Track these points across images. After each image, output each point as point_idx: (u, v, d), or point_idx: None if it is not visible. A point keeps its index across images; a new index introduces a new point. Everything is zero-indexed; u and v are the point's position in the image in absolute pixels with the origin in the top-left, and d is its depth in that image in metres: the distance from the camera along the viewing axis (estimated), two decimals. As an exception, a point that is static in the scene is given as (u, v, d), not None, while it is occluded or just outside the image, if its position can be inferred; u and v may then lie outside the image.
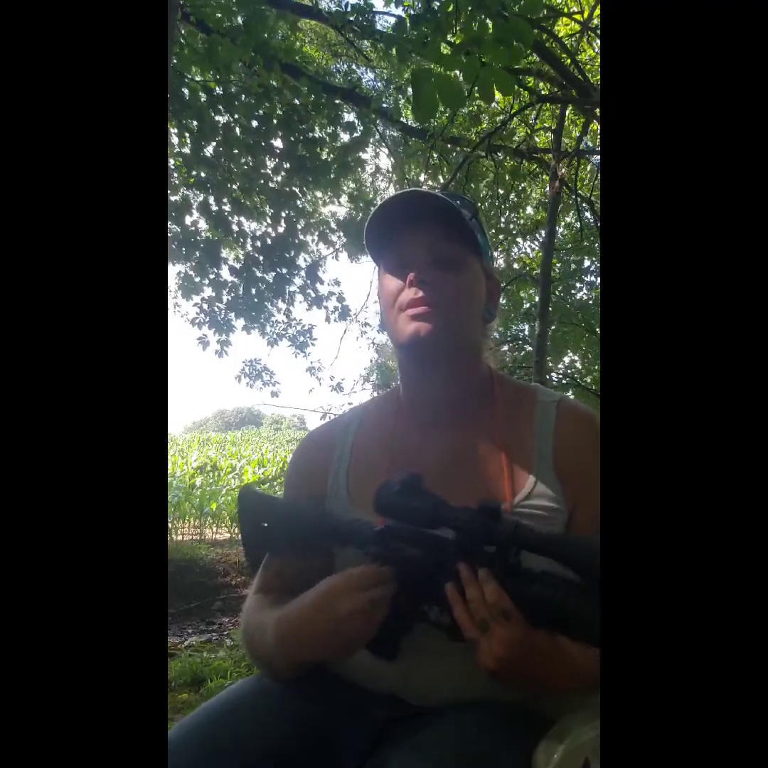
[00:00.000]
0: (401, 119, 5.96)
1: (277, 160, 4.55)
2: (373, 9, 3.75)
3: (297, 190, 4.75)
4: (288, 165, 4.44)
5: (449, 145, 6.33)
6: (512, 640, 0.73)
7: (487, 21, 2.19)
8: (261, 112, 4.10)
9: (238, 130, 4.25)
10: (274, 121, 4.13)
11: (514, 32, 2.09)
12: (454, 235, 0.94)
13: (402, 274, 0.94)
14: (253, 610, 0.97)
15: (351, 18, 3.93)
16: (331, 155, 4.33)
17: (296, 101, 4.07)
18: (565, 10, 5.73)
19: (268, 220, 5.04)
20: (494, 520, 0.76)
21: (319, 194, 5.52)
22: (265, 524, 0.94)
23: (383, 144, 6.83)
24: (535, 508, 0.89)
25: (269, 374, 6.24)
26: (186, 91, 4.18)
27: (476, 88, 2.10)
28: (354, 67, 6.55)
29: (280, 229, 5.06)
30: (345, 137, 4.43)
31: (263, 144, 4.29)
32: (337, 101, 4.37)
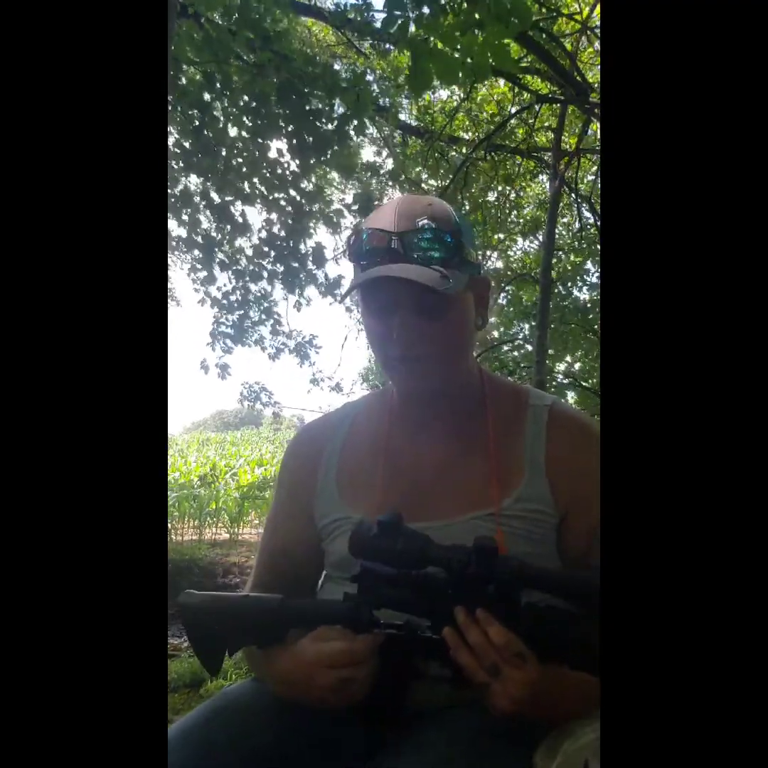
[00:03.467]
0: (400, 118, 5.96)
1: (279, 139, 4.52)
2: (372, 8, 3.74)
3: (299, 170, 4.70)
4: (289, 143, 4.40)
5: (448, 148, 6.33)
6: (528, 680, 0.71)
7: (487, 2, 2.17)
8: (258, 90, 4.06)
9: (236, 111, 4.22)
10: (273, 98, 4.09)
11: (514, 11, 2.08)
12: (438, 278, 0.86)
13: (386, 322, 0.88)
14: None
15: (350, 17, 3.93)
16: (330, 126, 4.26)
17: (292, 75, 4.02)
18: (565, 10, 5.73)
19: (274, 209, 4.98)
20: (492, 558, 0.73)
21: (326, 176, 5.45)
22: (216, 626, 0.88)
23: (384, 145, 6.84)
24: (525, 512, 0.88)
25: (268, 395, 6.26)
26: (184, 80, 4.18)
27: (471, 61, 2.07)
28: (353, 67, 6.55)
29: (288, 218, 5.00)
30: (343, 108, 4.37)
31: (263, 122, 4.24)
32: (335, 67, 4.35)
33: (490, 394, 0.98)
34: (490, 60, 2.15)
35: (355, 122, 4.20)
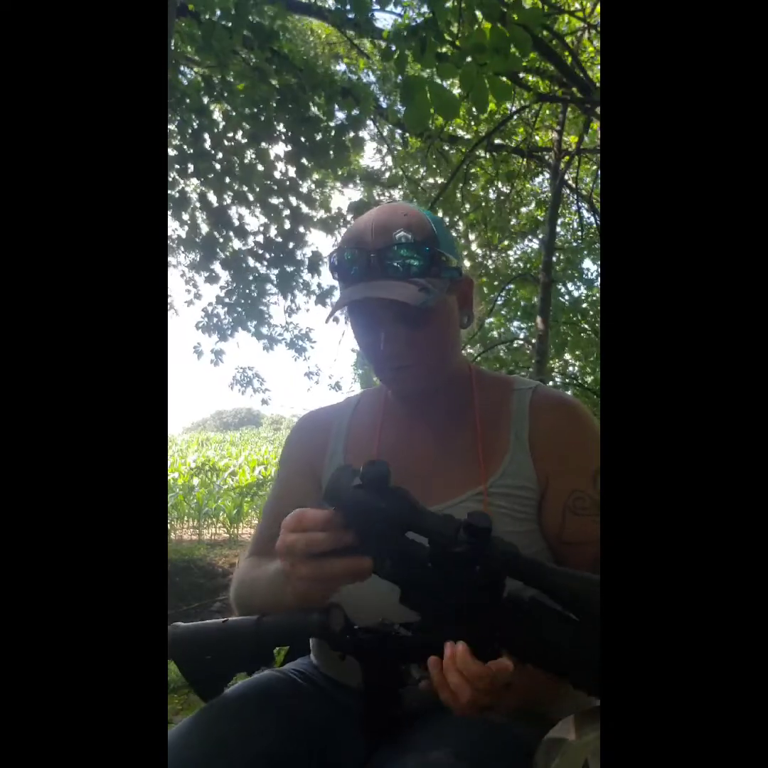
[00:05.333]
0: (400, 117, 5.95)
1: (277, 144, 4.53)
2: (372, 6, 3.73)
3: (296, 177, 4.70)
4: (288, 148, 4.41)
5: (447, 147, 6.32)
6: (514, 700, 0.71)
7: (485, 27, 2.17)
8: (257, 96, 4.07)
9: (236, 116, 4.24)
10: (273, 104, 4.10)
11: (513, 40, 2.09)
12: (416, 293, 0.87)
13: (373, 334, 0.92)
14: (249, 568, 0.98)
15: (350, 16, 3.92)
16: (329, 134, 4.28)
17: (292, 78, 4.02)
18: (567, 7, 5.72)
19: (272, 214, 4.99)
20: (485, 539, 0.66)
21: (323, 179, 5.46)
22: (208, 656, 0.87)
23: (383, 143, 6.83)
24: (510, 489, 0.91)
25: (260, 381, 6.29)
26: (183, 80, 4.19)
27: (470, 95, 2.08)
28: (355, 68, 6.55)
29: (285, 223, 5.01)
30: (342, 117, 4.37)
31: (262, 132, 4.27)
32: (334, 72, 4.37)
33: (477, 385, 1.01)
34: (490, 94, 2.14)
35: (353, 134, 4.21)
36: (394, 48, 2.48)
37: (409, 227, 0.88)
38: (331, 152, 4.26)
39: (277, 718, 0.85)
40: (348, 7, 3.44)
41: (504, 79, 2.18)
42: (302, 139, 4.24)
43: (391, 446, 1.00)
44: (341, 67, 6.67)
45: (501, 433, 0.95)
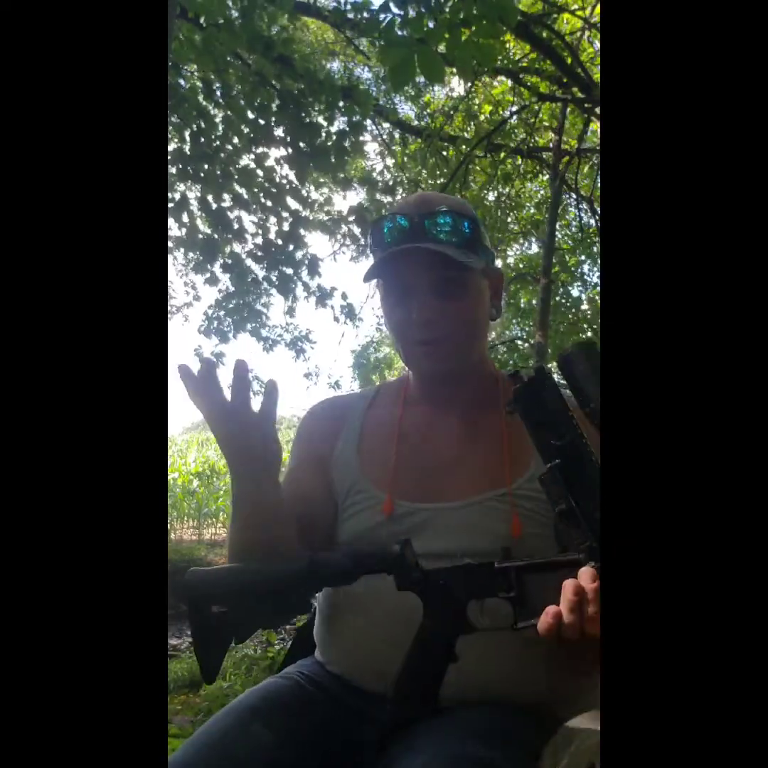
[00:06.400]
0: (400, 117, 5.95)
1: (277, 148, 4.54)
2: (372, 6, 3.73)
3: (296, 181, 4.72)
4: (288, 152, 4.42)
5: (448, 146, 6.32)
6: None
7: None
8: (258, 101, 4.08)
9: (236, 120, 4.24)
10: (274, 108, 4.12)
11: (499, 9, 2.10)
12: (455, 262, 0.90)
13: (405, 304, 0.92)
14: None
15: (350, 16, 3.92)
16: (330, 141, 4.30)
17: (293, 83, 4.03)
18: (567, 6, 5.71)
19: (271, 216, 5.00)
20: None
21: (321, 180, 5.48)
22: (224, 609, 0.78)
23: (383, 143, 6.83)
24: (536, 492, 0.89)
25: (260, 384, 6.30)
26: (183, 81, 4.19)
27: (455, 61, 2.09)
28: (351, 66, 6.56)
29: (284, 225, 5.02)
30: (342, 122, 4.39)
31: (262, 136, 4.28)
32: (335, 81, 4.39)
33: (502, 384, 1.00)
34: (474, 60, 2.16)
35: (353, 139, 4.23)
36: (382, 18, 2.49)
37: (451, 205, 0.95)
38: (332, 157, 4.27)
39: (287, 730, 0.84)
40: (348, 6, 3.45)
41: (491, 41, 2.19)
42: (301, 144, 4.26)
43: (410, 437, 0.98)
44: (337, 64, 6.68)
45: (526, 437, 0.95)
